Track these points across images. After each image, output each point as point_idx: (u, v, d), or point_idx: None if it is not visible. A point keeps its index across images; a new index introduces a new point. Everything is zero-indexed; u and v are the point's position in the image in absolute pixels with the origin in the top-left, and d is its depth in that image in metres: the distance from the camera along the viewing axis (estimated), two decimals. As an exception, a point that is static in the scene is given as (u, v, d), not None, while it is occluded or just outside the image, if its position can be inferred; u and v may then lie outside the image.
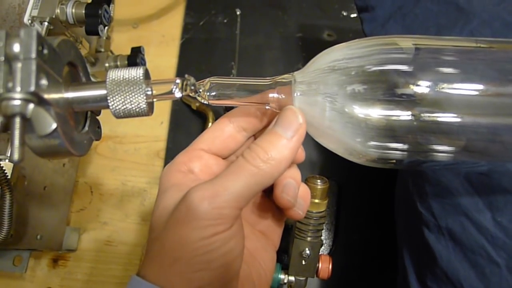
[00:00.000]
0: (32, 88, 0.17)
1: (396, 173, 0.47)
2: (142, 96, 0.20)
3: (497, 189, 0.29)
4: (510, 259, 0.28)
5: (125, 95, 0.20)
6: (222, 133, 0.28)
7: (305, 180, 0.41)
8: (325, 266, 0.44)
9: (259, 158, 0.23)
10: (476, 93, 0.23)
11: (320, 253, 0.45)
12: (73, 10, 0.47)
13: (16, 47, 0.17)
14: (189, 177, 0.27)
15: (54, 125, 0.17)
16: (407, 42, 0.24)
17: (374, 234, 0.58)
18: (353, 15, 0.71)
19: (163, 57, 0.73)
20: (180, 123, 0.67)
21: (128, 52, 0.63)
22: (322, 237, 0.57)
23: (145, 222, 0.64)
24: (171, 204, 0.25)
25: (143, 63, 0.62)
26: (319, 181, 0.40)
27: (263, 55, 0.70)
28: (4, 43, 0.17)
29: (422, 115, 0.23)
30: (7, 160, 0.43)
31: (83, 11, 0.47)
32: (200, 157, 0.28)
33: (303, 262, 0.42)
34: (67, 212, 0.62)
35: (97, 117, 0.25)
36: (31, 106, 0.17)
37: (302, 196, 0.28)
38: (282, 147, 0.24)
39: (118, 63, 0.60)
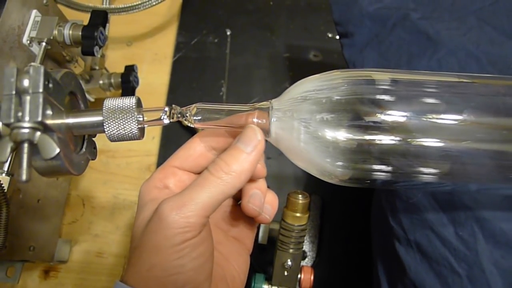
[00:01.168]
0: (39, 118, 0.20)
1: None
2: (134, 122, 0.23)
3: (459, 205, 0.32)
4: (470, 270, 0.31)
5: (119, 122, 0.23)
6: (194, 152, 0.31)
7: (288, 195, 0.44)
8: (307, 277, 0.47)
9: (222, 170, 0.26)
10: (437, 121, 0.26)
11: (302, 265, 0.47)
12: (70, 32, 0.50)
13: (26, 82, 0.20)
14: (164, 192, 0.30)
15: (57, 150, 0.20)
16: (383, 76, 0.27)
17: (356, 247, 0.61)
18: (338, 37, 0.75)
19: (156, 74, 0.76)
20: (171, 138, 0.70)
21: (122, 69, 0.65)
22: (306, 250, 0.60)
23: (136, 234, 0.66)
24: (148, 216, 0.28)
25: (136, 81, 0.64)
26: (300, 196, 0.43)
27: (252, 74, 0.73)
28: (15, 78, 0.20)
29: (383, 138, 0.26)
30: (3, 174, 0.45)
31: (80, 33, 0.50)
32: (174, 174, 0.31)
33: (285, 273, 0.44)
34: (59, 224, 0.64)
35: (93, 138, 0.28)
36: (38, 133, 0.20)
37: (269, 202, 0.32)
38: (242, 161, 0.27)
39: (112, 80, 0.63)
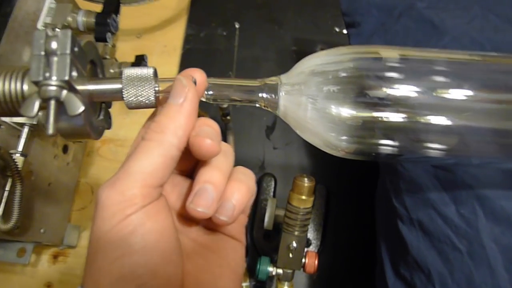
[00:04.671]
0: (67, 77, 0.21)
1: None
2: (151, 90, 0.24)
3: (461, 184, 0.33)
4: (470, 246, 0.32)
5: (137, 89, 0.24)
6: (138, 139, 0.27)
7: (294, 178, 0.45)
8: (311, 261, 0.48)
9: (154, 131, 0.23)
10: (440, 96, 0.27)
11: (307, 250, 0.48)
12: (84, 19, 0.51)
13: (54, 44, 0.21)
14: None
15: (82, 108, 0.21)
16: (391, 53, 0.28)
17: (360, 235, 0.61)
18: (345, 31, 0.76)
19: (165, 66, 0.77)
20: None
21: (132, 59, 0.67)
22: (311, 237, 0.61)
23: (143, 221, 0.67)
24: None
25: (146, 70, 0.65)
26: (306, 179, 0.44)
27: (259, 67, 0.74)
28: (44, 40, 0.21)
29: (390, 114, 0.26)
30: (18, 154, 0.46)
31: (93, 20, 0.51)
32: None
33: (290, 255, 0.45)
34: (69, 209, 0.65)
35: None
36: (64, 91, 0.21)
37: (231, 196, 0.25)
38: (174, 114, 0.23)
39: (122, 69, 0.64)
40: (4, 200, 0.44)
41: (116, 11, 0.52)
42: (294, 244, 0.45)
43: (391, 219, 0.38)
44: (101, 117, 0.27)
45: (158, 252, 0.23)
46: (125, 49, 0.78)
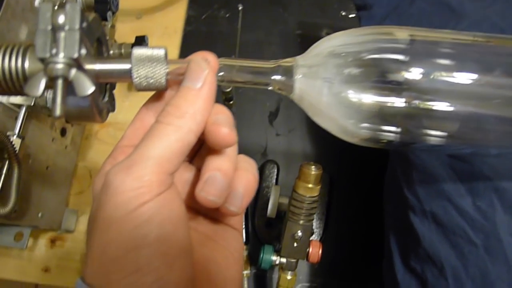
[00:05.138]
0: (76, 55, 0.20)
1: (386, 165, 0.49)
2: (163, 72, 0.23)
3: (478, 176, 0.32)
4: (487, 240, 0.31)
5: (147, 70, 0.22)
6: (142, 123, 0.26)
7: (300, 166, 0.44)
8: (315, 251, 0.47)
9: (172, 115, 0.22)
10: (464, 82, 0.26)
11: (311, 239, 0.47)
12: (83, -4, 0.49)
13: (61, 18, 0.19)
14: None
15: (93, 88, 0.20)
16: (403, 33, 0.27)
17: (363, 225, 0.61)
18: (351, 15, 0.74)
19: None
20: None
21: (131, 41, 0.65)
22: (314, 226, 0.60)
23: (142, 206, 0.66)
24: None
25: (146, 52, 0.63)
26: (313, 167, 0.43)
27: (263, 50, 0.72)
28: (51, 13, 0.19)
29: (411, 100, 0.25)
30: (15, 136, 0.44)
31: (93, -2, 0.49)
32: (124, 153, 0.25)
33: (295, 244, 0.44)
34: (66, 193, 0.64)
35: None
36: (73, 70, 0.20)
37: (240, 186, 0.24)
38: (193, 99, 0.22)
39: (122, 50, 0.62)
40: (0, 184, 0.43)
41: (117, -11, 0.50)
42: (300, 233, 0.43)
43: (402, 210, 0.37)
44: (106, 98, 0.25)
45: (175, 243, 0.21)
46: (124, 30, 0.76)
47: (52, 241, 0.65)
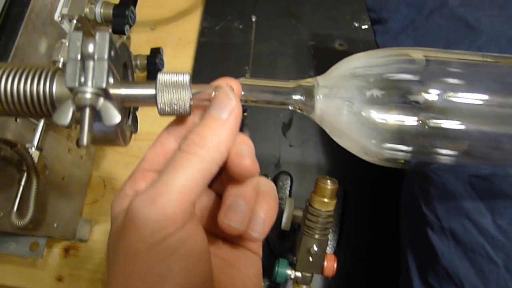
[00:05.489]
0: (104, 85, 0.20)
1: (400, 180, 0.49)
2: (187, 97, 0.23)
3: (498, 194, 0.32)
4: (508, 259, 0.30)
5: (172, 96, 0.22)
6: (163, 148, 0.26)
7: (316, 180, 0.44)
8: (330, 264, 0.47)
9: (196, 144, 0.22)
10: (482, 103, 0.26)
11: (326, 252, 0.47)
12: (102, 10, 0.50)
13: (91, 48, 0.20)
14: None
15: (119, 118, 0.20)
16: (418, 54, 0.27)
17: (376, 238, 0.60)
18: (364, 27, 0.74)
19: (179, 59, 0.75)
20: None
21: (146, 51, 0.65)
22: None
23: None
24: (120, 226, 0.23)
25: (161, 63, 0.64)
26: (329, 181, 0.43)
27: (276, 61, 0.73)
28: (81, 43, 0.20)
29: (432, 121, 0.25)
30: (33, 149, 0.45)
31: (111, 12, 0.50)
32: (145, 177, 0.25)
33: (310, 259, 0.44)
34: (81, 203, 0.65)
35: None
36: (101, 100, 0.20)
37: (262, 212, 0.24)
38: (219, 128, 0.22)
39: (138, 62, 0.63)
40: (19, 196, 0.43)
41: (134, 3, 0.51)
42: (315, 248, 0.43)
43: (420, 227, 0.37)
44: (129, 122, 0.26)
45: (199, 274, 0.21)
46: (139, 41, 0.77)
47: (66, 250, 0.65)
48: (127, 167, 0.70)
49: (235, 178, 0.24)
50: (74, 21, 0.50)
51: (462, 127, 0.25)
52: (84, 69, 0.20)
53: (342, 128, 0.26)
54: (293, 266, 0.47)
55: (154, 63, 0.62)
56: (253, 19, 0.75)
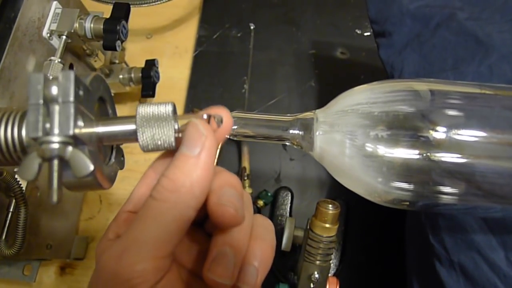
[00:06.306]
0: (71, 132, 0.18)
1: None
2: (171, 131, 0.21)
3: (511, 228, 0.30)
4: (522, 300, 0.28)
5: (154, 130, 0.20)
6: (148, 188, 0.24)
7: (317, 204, 0.42)
8: (332, 289, 0.45)
9: (167, 190, 0.20)
10: (492, 140, 0.24)
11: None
12: (92, 25, 0.48)
13: (54, 90, 0.18)
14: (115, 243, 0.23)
15: (91, 167, 0.18)
16: (422, 86, 0.25)
17: (381, 256, 0.58)
18: (366, 34, 0.72)
19: (176, 68, 0.73)
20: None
21: (142, 61, 0.63)
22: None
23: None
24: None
25: (156, 76, 0.62)
26: (330, 205, 0.41)
27: (275, 70, 0.70)
28: (42, 86, 0.18)
29: (440, 156, 0.23)
30: (22, 173, 0.43)
31: (101, 27, 0.48)
32: (128, 221, 0.23)
33: (312, 286, 0.42)
34: (76, 221, 0.63)
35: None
36: (69, 148, 0.18)
37: (255, 259, 0.22)
38: (191, 168, 0.20)
39: (132, 75, 0.61)
40: (7, 222, 0.41)
41: (126, 17, 0.49)
42: (316, 275, 0.41)
43: (427, 258, 0.35)
44: (113, 160, 0.24)
45: None
46: (134, 51, 0.75)
47: (62, 269, 0.64)
48: (123, 181, 0.67)
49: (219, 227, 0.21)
50: (64, 37, 0.48)
51: (472, 162, 0.23)
52: (48, 114, 0.18)
53: (344, 167, 0.24)
54: (294, 290, 0.45)
55: (149, 76, 0.60)
56: (252, 27, 0.73)
